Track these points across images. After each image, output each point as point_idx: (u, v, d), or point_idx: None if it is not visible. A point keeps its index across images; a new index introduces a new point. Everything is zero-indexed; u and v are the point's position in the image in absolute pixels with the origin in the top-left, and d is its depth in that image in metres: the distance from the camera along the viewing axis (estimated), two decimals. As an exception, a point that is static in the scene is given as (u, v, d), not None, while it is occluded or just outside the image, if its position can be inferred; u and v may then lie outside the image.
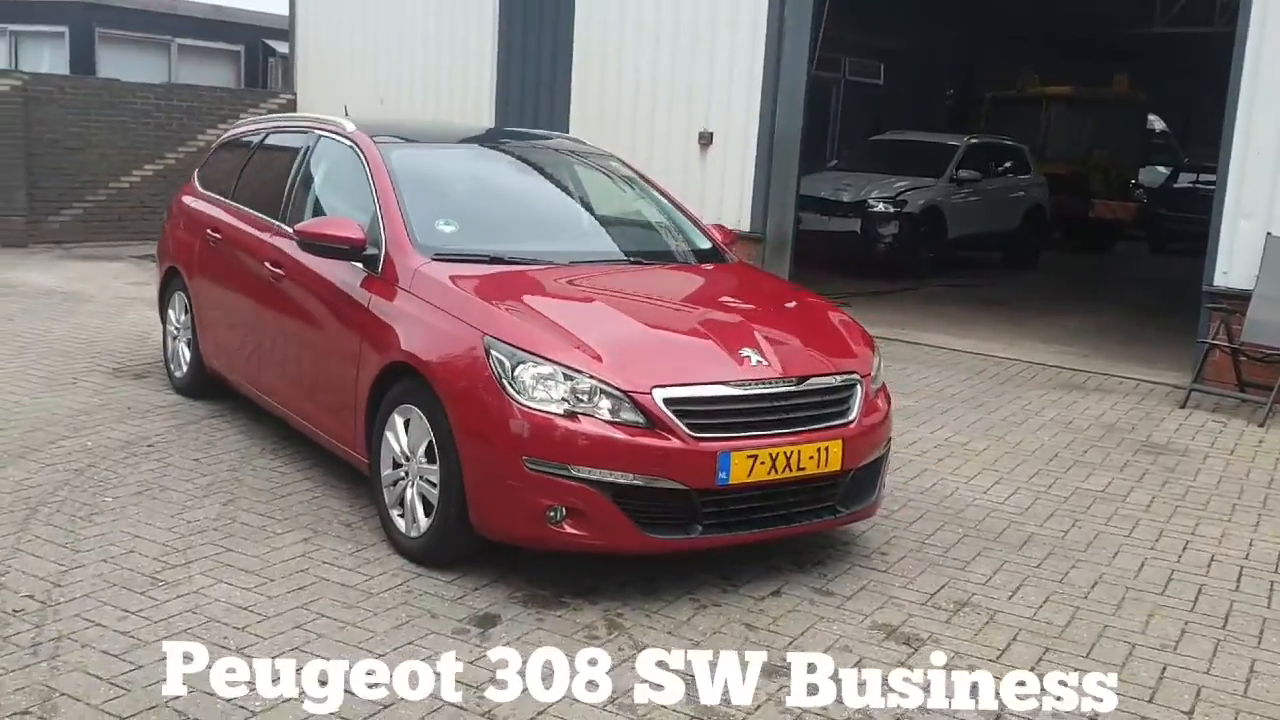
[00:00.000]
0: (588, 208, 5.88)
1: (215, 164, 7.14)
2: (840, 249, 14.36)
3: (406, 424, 4.59)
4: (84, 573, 4.31)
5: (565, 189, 5.97)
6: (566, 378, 4.21)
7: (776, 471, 4.35)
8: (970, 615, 4.46)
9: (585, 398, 4.19)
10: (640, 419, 4.19)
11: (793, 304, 5.31)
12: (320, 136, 5.91)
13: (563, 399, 4.19)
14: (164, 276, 7.18)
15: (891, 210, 14.09)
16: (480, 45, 13.05)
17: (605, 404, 4.19)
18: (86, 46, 16.22)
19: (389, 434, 4.68)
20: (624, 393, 4.20)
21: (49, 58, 16.35)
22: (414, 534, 4.56)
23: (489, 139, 6.17)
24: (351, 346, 4.93)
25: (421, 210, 5.16)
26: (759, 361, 4.50)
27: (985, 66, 21.48)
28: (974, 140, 15.55)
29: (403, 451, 4.62)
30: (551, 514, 4.18)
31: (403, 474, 4.63)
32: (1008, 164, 16.12)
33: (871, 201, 14.15)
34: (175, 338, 6.97)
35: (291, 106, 15.00)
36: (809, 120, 11.26)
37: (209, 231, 6.51)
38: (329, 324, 5.18)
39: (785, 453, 4.36)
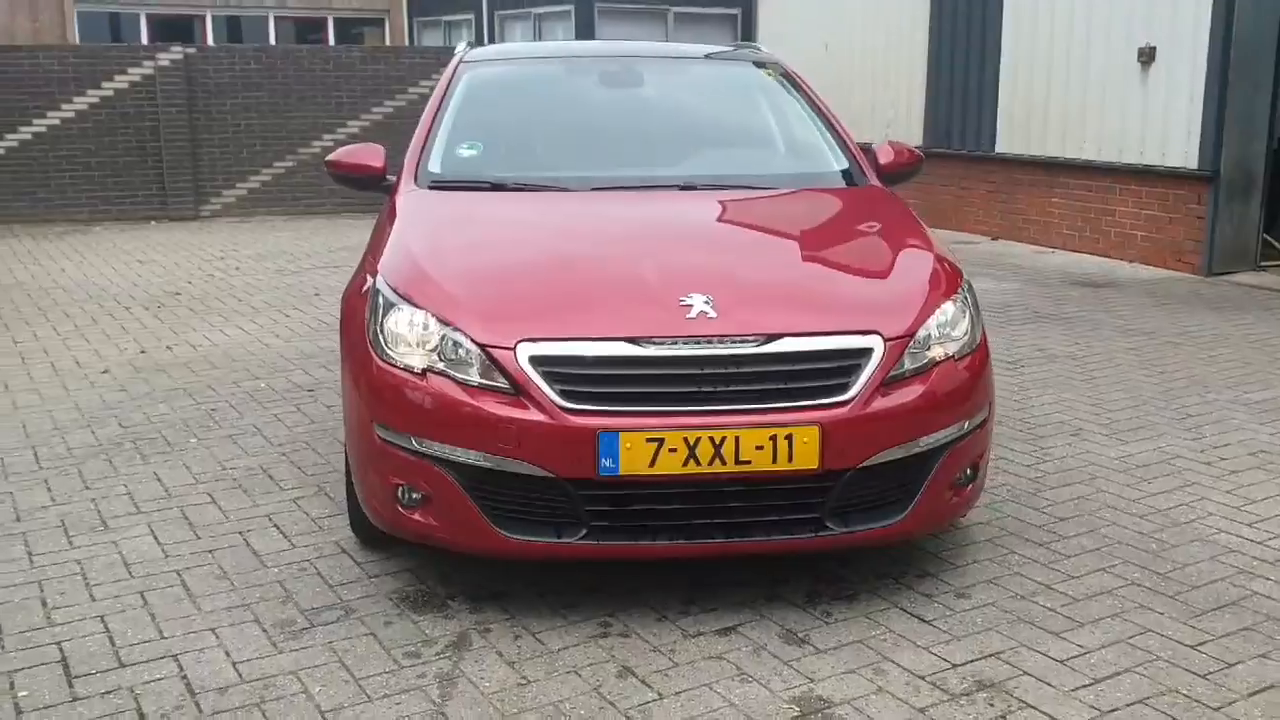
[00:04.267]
0: (685, 128, 4.73)
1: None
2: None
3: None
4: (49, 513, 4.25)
5: (676, 108, 4.86)
6: (432, 326, 3.34)
7: (698, 463, 3.13)
8: (975, 706, 2.92)
9: (452, 352, 3.30)
10: (501, 382, 3.22)
11: (862, 240, 3.88)
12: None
13: (433, 351, 3.33)
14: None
15: None
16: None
17: (473, 361, 3.27)
18: (588, 21, 17.02)
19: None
20: (481, 346, 3.25)
21: (561, 35, 17.43)
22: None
23: (622, 54, 5.21)
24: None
25: (459, 135, 4.47)
26: (703, 312, 3.27)
27: None
28: None
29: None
30: (402, 496, 3.36)
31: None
32: None
33: None
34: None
35: (752, 62, 14.59)
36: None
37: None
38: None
39: (712, 438, 3.12)
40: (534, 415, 3.15)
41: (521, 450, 3.16)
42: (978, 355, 3.56)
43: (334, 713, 2.90)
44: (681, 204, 4.13)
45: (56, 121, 12.44)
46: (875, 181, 4.45)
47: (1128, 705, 2.92)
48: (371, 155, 4.46)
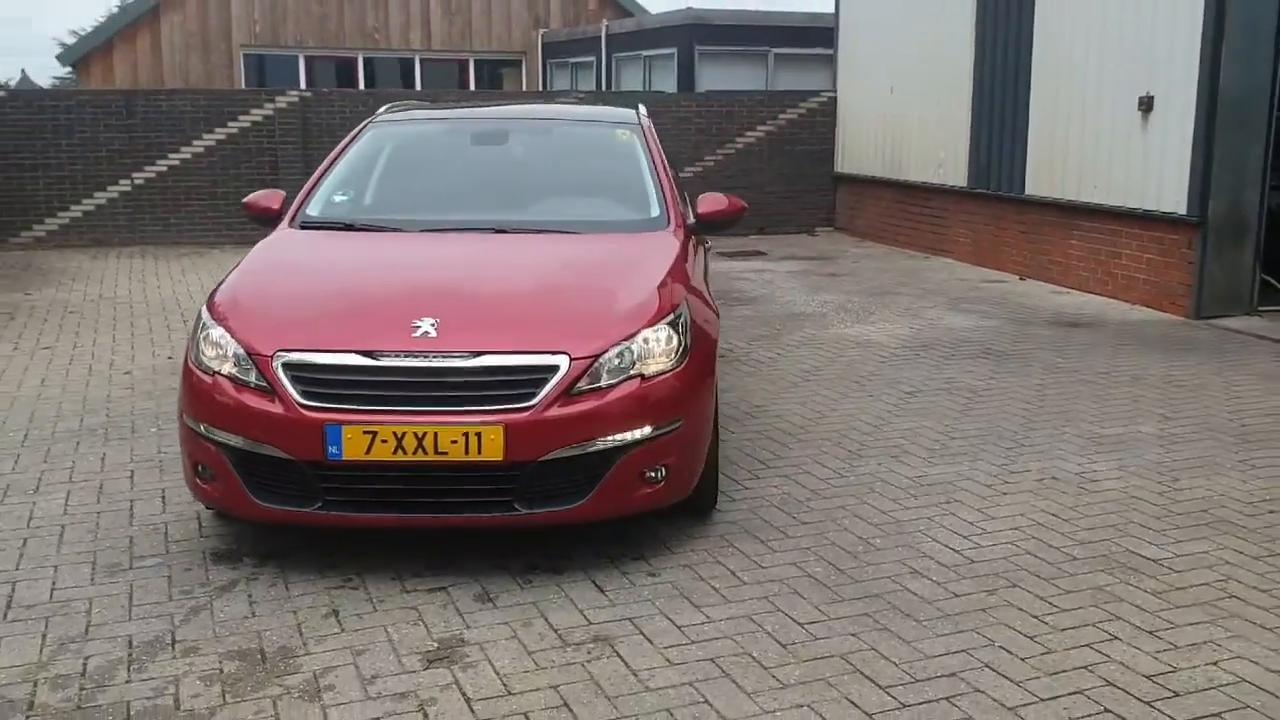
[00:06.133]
0: (527, 180, 5.55)
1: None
2: None
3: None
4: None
5: (528, 163, 5.71)
6: (228, 340, 4.25)
7: (405, 452, 3.93)
8: (578, 653, 3.61)
9: (242, 360, 4.19)
10: (264, 383, 4.10)
11: (600, 275, 4.62)
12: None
13: (228, 360, 4.23)
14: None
15: None
16: (961, 36, 12.08)
17: (248, 367, 4.16)
18: (689, 64, 17.88)
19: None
20: (252, 355, 4.14)
21: (663, 76, 18.37)
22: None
23: (505, 117, 6.12)
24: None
25: (341, 182, 5.41)
26: (426, 332, 4.08)
27: None
28: None
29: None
30: (200, 471, 4.27)
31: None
32: None
33: None
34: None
35: (830, 104, 15.20)
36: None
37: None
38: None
39: (416, 433, 3.92)
40: (279, 410, 4.02)
41: (270, 437, 4.03)
42: (677, 375, 4.23)
43: (97, 626, 3.81)
44: (478, 244, 4.94)
45: (188, 156, 14.02)
46: (676, 229, 5.14)
47: (698, 660, 3.56)
48: (272, 199, 5.44)
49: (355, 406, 3.99)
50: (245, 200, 5.54)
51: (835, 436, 5.93)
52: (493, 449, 3.93)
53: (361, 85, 22.24)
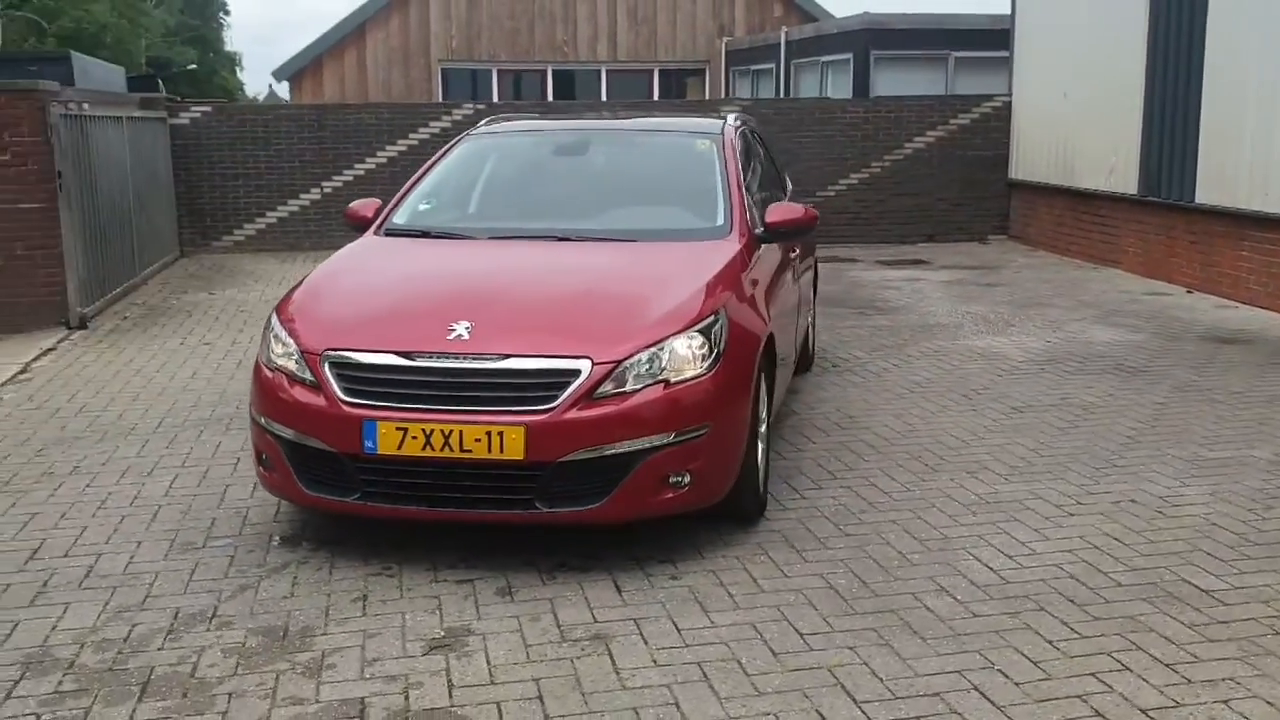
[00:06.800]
0: (602, 189, 5.68)
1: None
2: None
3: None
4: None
5: (606, 173, 5.83)
6: (290, 340, 4.55)
7: (433, 449, 4.13)
8: (572, 648, 3.71)
9: (299, 358, 4.48)
10: (313, 380, 4.37)
11: (639, 283, 4.68)
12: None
13: (290, 358, 4.53)
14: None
15: None
16: (1133, 41, 11.54)
17: (303, 365, 4.43)
18: (864, 69, 17.66)
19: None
20: (304, 353, 4.42)
21: (839, 82, 18.20)
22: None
23: (586, 129, 6.29)
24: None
25: (428, 192, 5.69)
26: (459, 336, 4.27)
27: None
28: None
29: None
30: (263, 460, 4.59)
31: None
32: None
33: None
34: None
35: (1005, 109, 14.77)
36: None
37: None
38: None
39: (443, 430, 4.12)
40: (324, 405, 4.29)
41: (315, 430, 4.31)
42: (703, 383, 4.28)
43: (154, 598, 4.16)
44: (536, 251, 5.11)
45: (372, 166, 14.79)
46: (739, 238, 5.16)
47: (684, 664, 3.61)
48: (367, 208, 5.77)
49: (391, 404, 4.22)
50: (348, 209, 5.89)
51: (917, 450, 5.82)
52: (514, 448, 4.08)
53: (550, 97, 22.93)
